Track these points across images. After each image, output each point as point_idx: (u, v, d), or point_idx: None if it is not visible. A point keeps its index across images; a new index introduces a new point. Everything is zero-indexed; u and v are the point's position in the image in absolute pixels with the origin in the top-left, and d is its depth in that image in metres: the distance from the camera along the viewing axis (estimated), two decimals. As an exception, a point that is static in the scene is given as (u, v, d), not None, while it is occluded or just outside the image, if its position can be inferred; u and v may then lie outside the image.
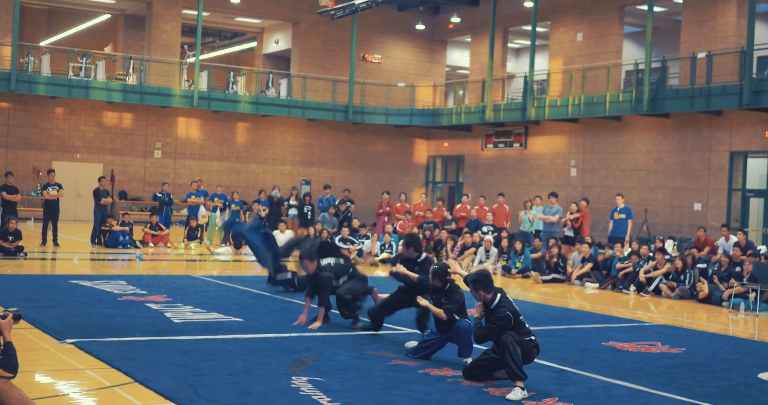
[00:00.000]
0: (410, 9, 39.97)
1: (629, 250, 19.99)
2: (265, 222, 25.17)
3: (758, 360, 10.76)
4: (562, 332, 12.19)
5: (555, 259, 20.06)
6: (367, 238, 23.67)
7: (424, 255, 11.10)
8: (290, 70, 38.92)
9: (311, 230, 23.00)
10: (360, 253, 22.41)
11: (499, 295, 8.66)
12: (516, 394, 7.93)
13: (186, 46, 39.15)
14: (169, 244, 24.05)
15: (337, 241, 22.34)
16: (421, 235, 23.01)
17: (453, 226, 24.87)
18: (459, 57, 44.10)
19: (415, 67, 41.29)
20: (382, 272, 20.59)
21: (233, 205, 25.69)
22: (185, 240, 24.66)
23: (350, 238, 22.60)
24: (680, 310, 15.76)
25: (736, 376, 9.59)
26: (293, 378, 8.26)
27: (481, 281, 8.70)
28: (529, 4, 33.12)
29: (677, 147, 28.96)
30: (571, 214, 22.34)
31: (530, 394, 8.04)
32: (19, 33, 33.00)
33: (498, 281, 19.61)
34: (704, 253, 20.16)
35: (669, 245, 23.31)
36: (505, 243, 21.66)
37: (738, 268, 17.16)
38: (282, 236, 23.36)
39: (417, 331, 11.00)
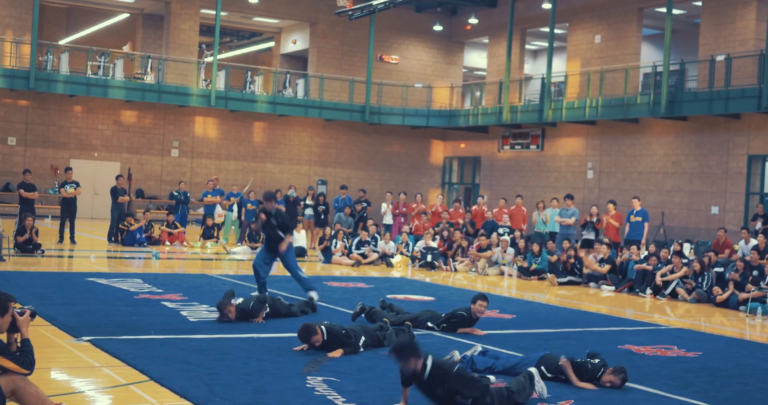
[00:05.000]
0: (428, 10, 39.96)
1: (645, 252, 19.91)
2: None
3: (775, 365, 10.70)
4: (577, 335, 12.15)
5: (572, 261, 19.99)
6: (379, 234, 23.60)
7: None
8: (307, 70, 38.97)
9: (327, 230, 23.00)
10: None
11: (429, 359, 7.25)
12: None
13: (204, 46, 39.25)
14: (185, 243, 24.12)
15: (355, 244, 22.33)
16: (437, 236, 22.99)
17: (470, 229, 24.79)
18: (476, 58, 44.05)
19: (432, 68, 41.27)
20: (397, 273, 20.58)
21: (249, 205, 25.72)
22: (201, 239, 24.71)
23: (368, 240, 22.58)
24: (697, 314, 15.68)
25: (753, 381, 9.54)
26: (308, 378, 8.25)
27: (404, 351, 7.21)
28: (547, 6, 33.05)
29: (695, 150, 28.84)
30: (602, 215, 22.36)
31: (546, 396, 8.01)
32: (39, 31, 33.17)
33: (513, 283, 19.58)
34: (724, 255, 20.06)
35: (686, 248, 23.20)
36: (522, 244, 21.63)
37: (756, 272, 17.05)
38: (297, 235, 23.40)
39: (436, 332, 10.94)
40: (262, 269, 13.91)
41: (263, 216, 13.88)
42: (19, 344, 6.13)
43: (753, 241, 19.87)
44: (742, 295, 16.15)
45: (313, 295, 13.53)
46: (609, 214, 22.47)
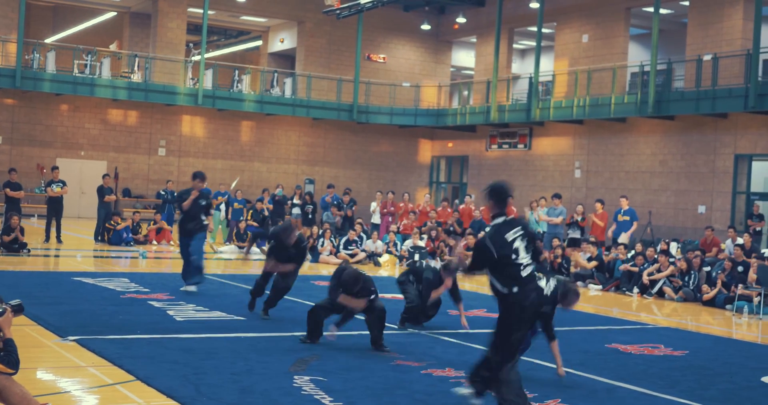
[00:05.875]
0: (416, 9, 39.95)
1: (633, 252, 19.96)
2: (268, 221, 25.18)
3: (762, 363, 10.74)
4: (564, 334, 12.15)
5: (559, 261, 20.02)
6: (365, 232, 23.56)
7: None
8: (295, 69, 38.92)
9: (315, 229, 22.97)
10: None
11: (500, 219, 7.35)
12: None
13: (191, 45, 39.14)
14: (172, 242, 24.06)
15: (342, 244, 22.31)
16: (425, 236, 23.00)
17: (458, 229, 24.80)
18: (464, 57, 44.07)
19: (420, 67, 41.27)
20: (385, 272, 20.57)
21: (236, 204, 25.66)
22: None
23: (356, 239, 22.56)
24: (683, 313, 15.73)
25: (739, 380, 9.57)
26: (295, 377, 8.24)
27: (491, 191, 7.48)
28: (534, 5, 33.09)
29: (682, 149, 28.92)
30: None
31: (533, 395, 8.01)
32: (25, 30, 33.00)
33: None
34: (712, 254, 20.12)
35: (673, 248, 23.29)
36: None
37: (740, 268, 17.11)
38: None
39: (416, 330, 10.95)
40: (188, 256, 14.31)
41: (195, 192, 14.13)
42: (1, 344, 6.07)
43: (740, 240, 19.95)
44: (740, 290, 16.17)
45: (191, 288, 13.97)
46: (596, 213, 22.52)
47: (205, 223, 14.26)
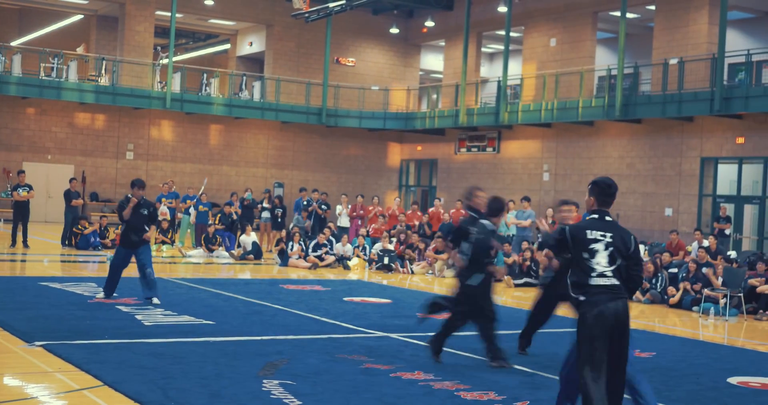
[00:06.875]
0: (384, 13, 40.01)
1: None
2: (237, 225, 25.09)
3: (727, 364, 10.85)
4: (533, 336, 12.20)
5: (528, 264, 20.11)
6: (335, 236, 23.53)
7: None
8: (264, 73, 38.84)
9: (283, 233, 22.93)
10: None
11: (594, 215, 6.90)
12: None
13: (159, 48, 38.92)
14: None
15: (311, 247, 22.26)
16: (394, 239, 23.01)
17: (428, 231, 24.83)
18: (433, 61, 44.17)
19: (389, 70, 41.32)
20: (354, 275, 20.55)
21: (201, 207, 25.49)
22: (159, 244, 24.48)
23: (326, 242, 22.53)
24: (651, 315, 15.84)
25: (705, 381, 9.66)
26: (264, 381, 8.22)
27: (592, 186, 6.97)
28: (503, 9, 33.24)
29: (649, 152, 29.15)
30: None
31: (501, 397, 8.05)
32: (-10, 32, 32.74)
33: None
34: (679, 257, 20.28)
35: (640, 250, 23.44)
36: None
37: (705, 269, 17.26)
38: (248, 239, 23.28)
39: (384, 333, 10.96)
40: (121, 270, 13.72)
41: (134, 200, 13.44)
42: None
43: (706, 242, 20.13)
44: (706, 292, 16.32)
45: (156, 300, 13.37)
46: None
47: (147, 236, 13.60)
